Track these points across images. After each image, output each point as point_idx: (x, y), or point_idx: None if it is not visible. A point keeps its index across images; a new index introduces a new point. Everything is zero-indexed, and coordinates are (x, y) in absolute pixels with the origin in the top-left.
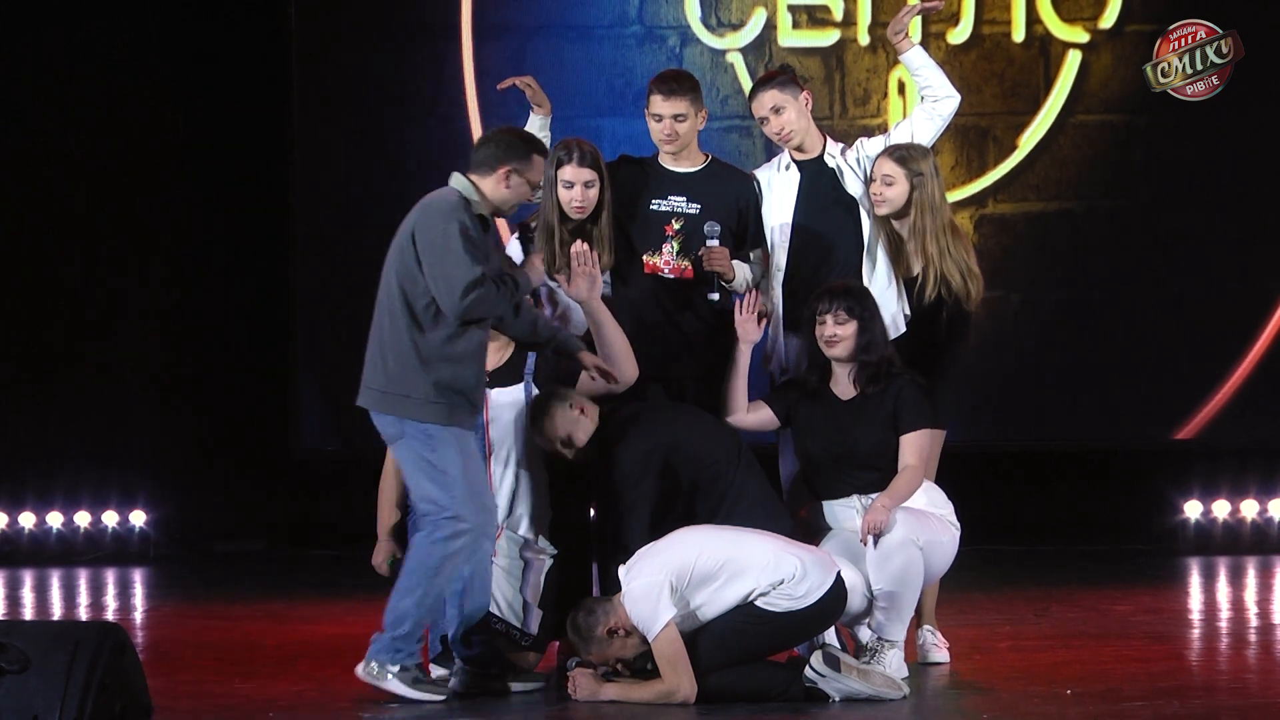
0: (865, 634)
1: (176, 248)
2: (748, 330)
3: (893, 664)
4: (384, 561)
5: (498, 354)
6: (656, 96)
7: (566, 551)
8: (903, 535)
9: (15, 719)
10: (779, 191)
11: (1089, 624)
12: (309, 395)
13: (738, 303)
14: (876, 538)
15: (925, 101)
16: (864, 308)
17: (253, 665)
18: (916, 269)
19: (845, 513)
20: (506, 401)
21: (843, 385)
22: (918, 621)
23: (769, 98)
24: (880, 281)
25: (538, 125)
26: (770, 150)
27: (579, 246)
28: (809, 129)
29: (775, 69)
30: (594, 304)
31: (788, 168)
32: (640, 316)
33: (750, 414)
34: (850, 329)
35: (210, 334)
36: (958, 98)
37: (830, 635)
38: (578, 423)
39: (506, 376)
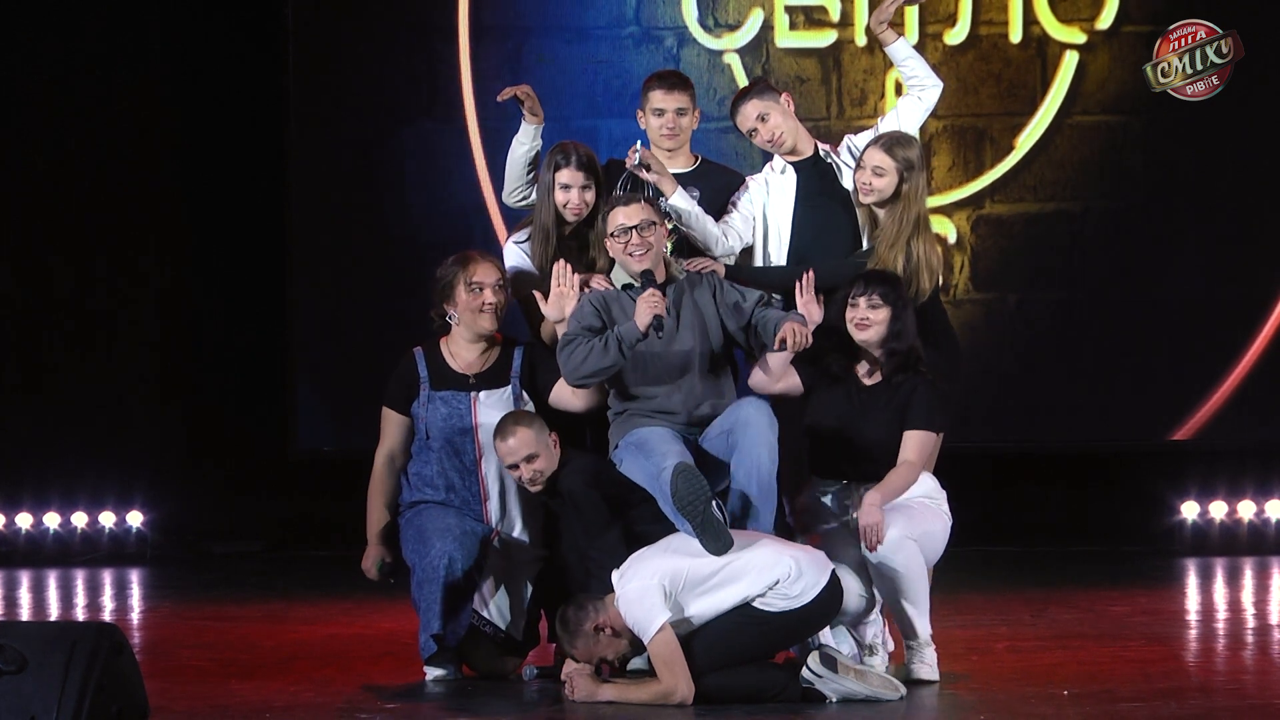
0: (868, 634)
1: (173, 249)
2: (811, 312)
3: (928, 659)
4: (373, 565)
5: (483, 357)
6: (657, 92)
7: (556, 553)
8: (898, 534)
9: (12, 719)
10: (776, 193)
11: (1086, 625)
12: (307, 395)
13: (796, 285)
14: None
15: (911, 92)
16: (898, 296)
17: (250, 666)
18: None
19: (837, 502)
20: (494, 403)
21: (866, 371)
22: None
23: (751, 108)
24: None
25: (530, 134)
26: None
27: (560, 266)
28: (798, 130)
29: (750, 83)
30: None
31: (784, 171)
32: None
33: (780, 383)
34: (883, 314)
35: (207, 334)
36: (941, 85)
37: (826, 635)
38: (547, 448)
39: (493, 379)
